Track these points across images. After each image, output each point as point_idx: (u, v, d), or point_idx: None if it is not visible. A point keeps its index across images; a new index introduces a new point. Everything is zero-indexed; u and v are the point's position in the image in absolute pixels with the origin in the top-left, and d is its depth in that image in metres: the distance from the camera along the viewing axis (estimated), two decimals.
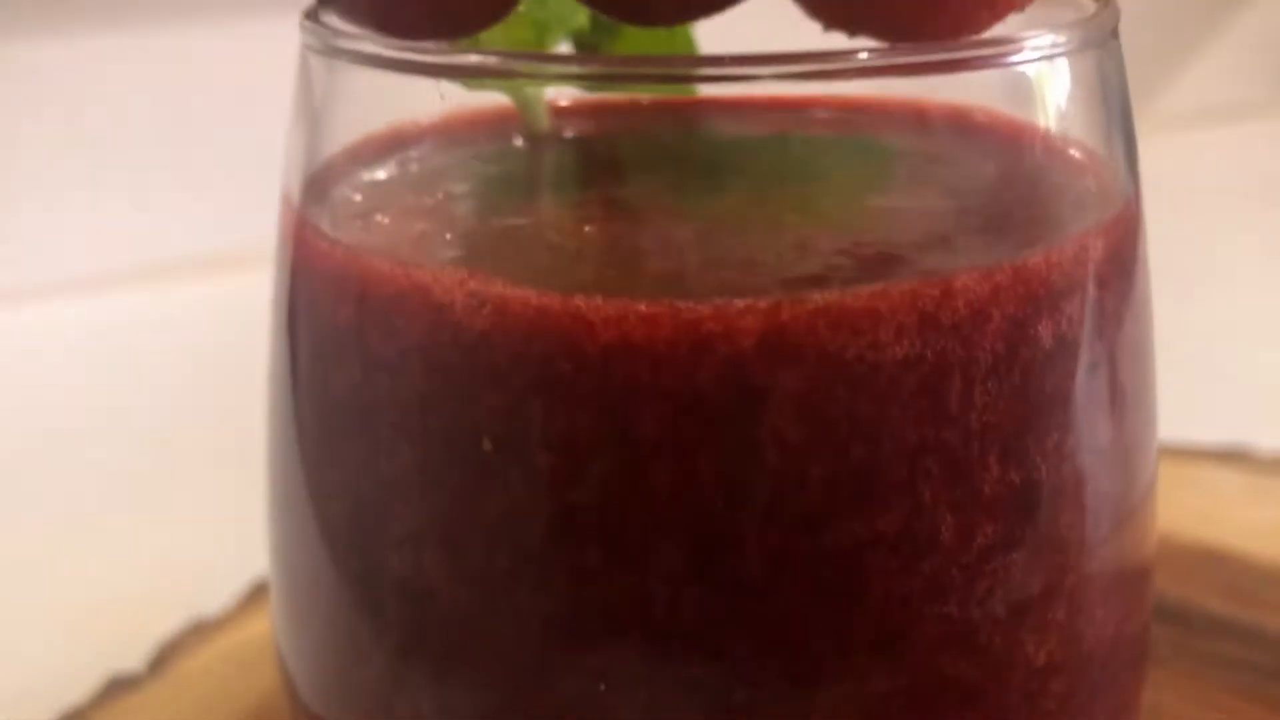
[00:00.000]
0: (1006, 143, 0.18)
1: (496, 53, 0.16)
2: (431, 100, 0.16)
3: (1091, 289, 0.17)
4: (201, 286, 0.77)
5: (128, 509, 0.53)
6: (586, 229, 0.17)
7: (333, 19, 0.19)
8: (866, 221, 0.17)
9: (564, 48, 0.20)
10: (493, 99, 0.22)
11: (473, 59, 0.16)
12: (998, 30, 0.19)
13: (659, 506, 0.16)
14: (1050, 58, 0.17)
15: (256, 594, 0.43)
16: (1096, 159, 0.18)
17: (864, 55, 0.15)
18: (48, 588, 0.47)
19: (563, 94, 0.26)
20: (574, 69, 0.16)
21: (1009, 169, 0.18)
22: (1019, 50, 0.17)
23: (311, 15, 0.19)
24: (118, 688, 0.38)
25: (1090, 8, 0.19)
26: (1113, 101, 0.18)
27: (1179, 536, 0.44)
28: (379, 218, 0.18)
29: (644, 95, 0.21)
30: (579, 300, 0.15)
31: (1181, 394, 0.60)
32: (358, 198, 0.19)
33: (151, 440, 0.59)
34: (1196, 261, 0.82)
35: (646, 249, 0.17)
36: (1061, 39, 0.17)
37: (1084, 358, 0.17)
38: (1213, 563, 0.42)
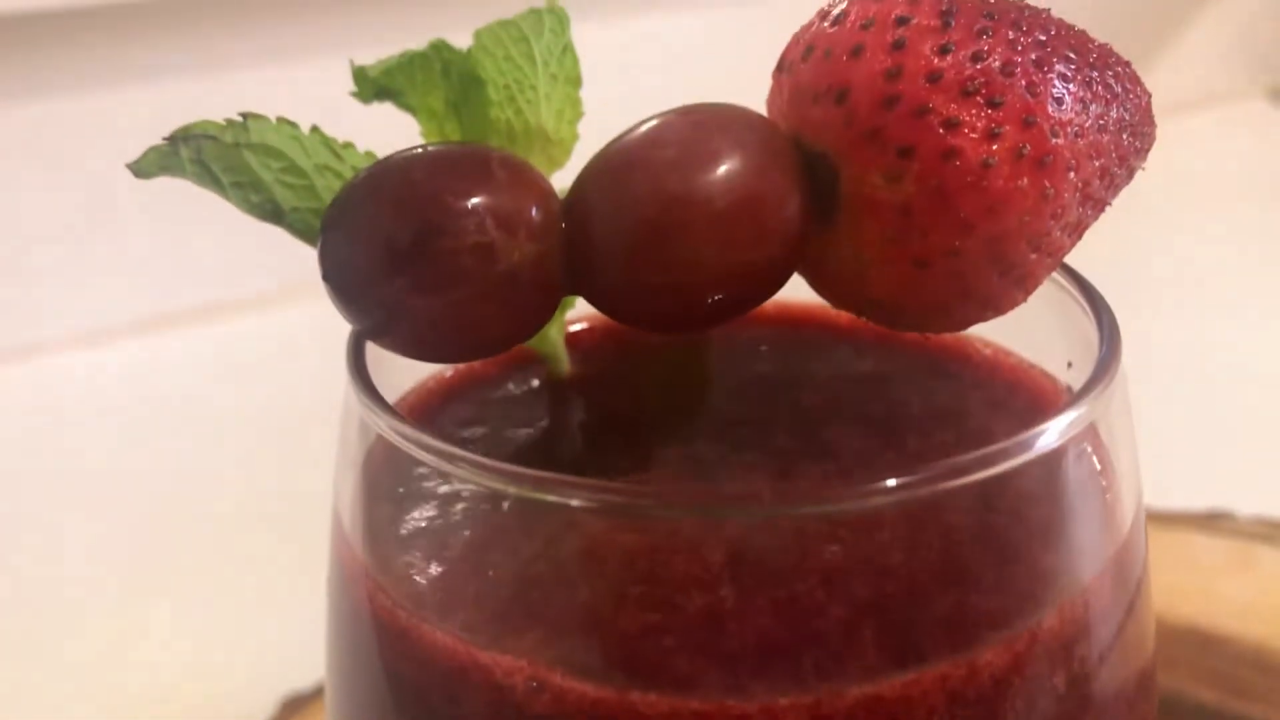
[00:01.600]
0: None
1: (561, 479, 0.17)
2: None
3: (1098, 629, 0.18)
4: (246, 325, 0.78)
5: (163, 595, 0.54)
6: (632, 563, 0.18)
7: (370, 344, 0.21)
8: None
9: None
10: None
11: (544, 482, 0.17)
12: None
13: None
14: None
15: (287, 711, 0.44)
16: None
17: (891, 483, 0.17)
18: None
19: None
20: (611, 497, 0.17)
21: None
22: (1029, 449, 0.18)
23: (358, 369, 0.20)
24: None
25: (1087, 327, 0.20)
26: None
27: (1167, 618, 0.45)
28: (433, 571, 0.19)
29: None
30: (634, 696, 0.16)
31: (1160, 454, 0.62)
32: (413, 557, 0.20)
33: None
34: (1173, 263, 0.83)
35: (684, 585, 0.18)
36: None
37: (1094, 682, 0.18)
38: (1201, 646, 0.44)
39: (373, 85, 0.23)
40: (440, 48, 0.23)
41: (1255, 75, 1.17)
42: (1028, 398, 0.24)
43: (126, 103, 0.75)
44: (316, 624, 0.48)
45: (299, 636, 0.48)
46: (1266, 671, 0.43)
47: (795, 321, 0.26)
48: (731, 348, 0.25)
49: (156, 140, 0.20)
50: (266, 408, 0.69)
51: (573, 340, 0.26)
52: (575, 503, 0.17)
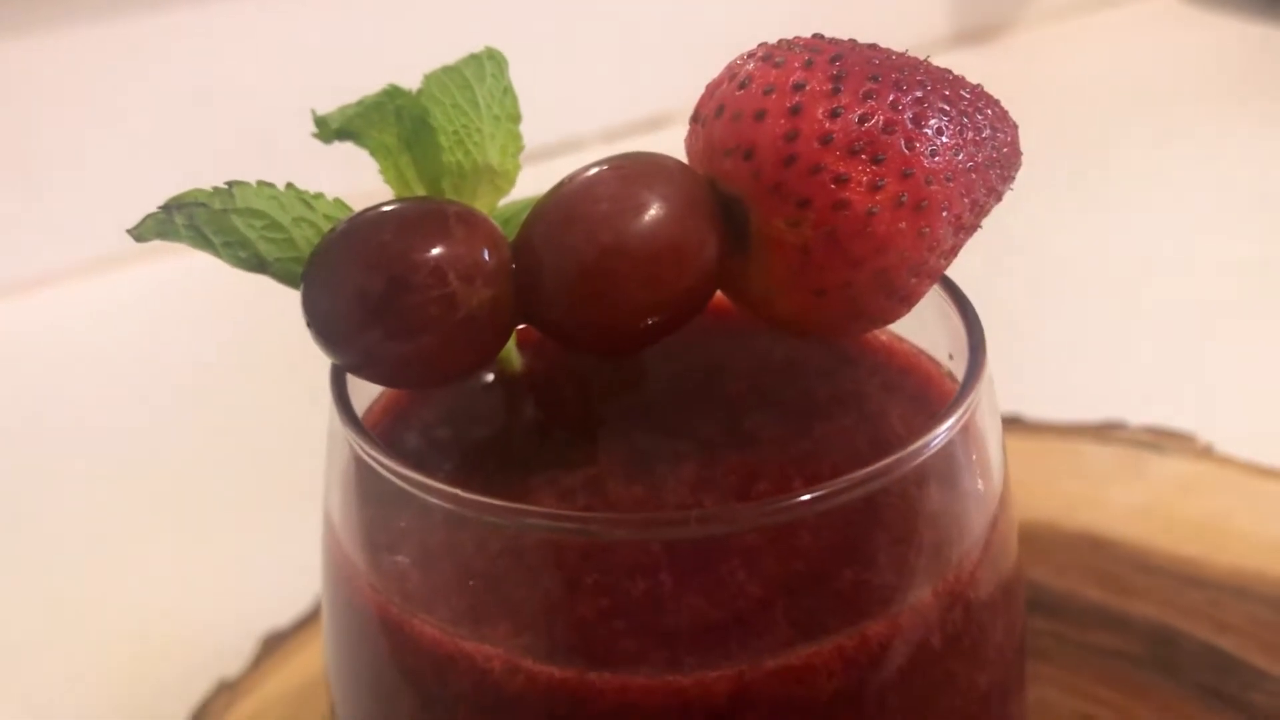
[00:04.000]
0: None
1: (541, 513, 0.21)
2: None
3: (973, 598, 0.22)
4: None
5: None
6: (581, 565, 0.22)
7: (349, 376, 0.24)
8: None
9: None
10: None
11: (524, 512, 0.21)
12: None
13: None
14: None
15: (268, 649, 0.48)
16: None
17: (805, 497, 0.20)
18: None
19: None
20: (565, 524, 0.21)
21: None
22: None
23: (340, 397, 0.23)
24: None
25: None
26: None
27: (1062, 524, 0.50)
28: (415, 563, 0.23)
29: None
30: (592, 676, 0.20)
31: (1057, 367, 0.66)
32: (399, 556, 0.23)
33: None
34: (1080, 165, 0.87)
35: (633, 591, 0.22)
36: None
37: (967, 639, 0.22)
38: (1091, 549, 0.49)
39: (332, 130, 0.26)
40: (393, 93, 0.26)
41: None
42: (918, 381, 0.28)
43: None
44: (295, 564, 0.52)
45: (278, 576, 0.52)
46: (1150, 572, 0.48)
47: (721, 315, 0.29)
48: (666, 341, 0.28)
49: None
50: (244, 345, 0.72)
51: (523, 337, 0.29)
52: (518, 524, 0.21)
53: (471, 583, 0.22)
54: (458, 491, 0.21)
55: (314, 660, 0.47)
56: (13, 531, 0.59)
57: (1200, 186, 0.83)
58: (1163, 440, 0.55)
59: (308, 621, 0.49)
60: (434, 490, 0.22)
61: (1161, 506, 0.50)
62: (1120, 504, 0.51)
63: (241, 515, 0.58)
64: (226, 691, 0.46)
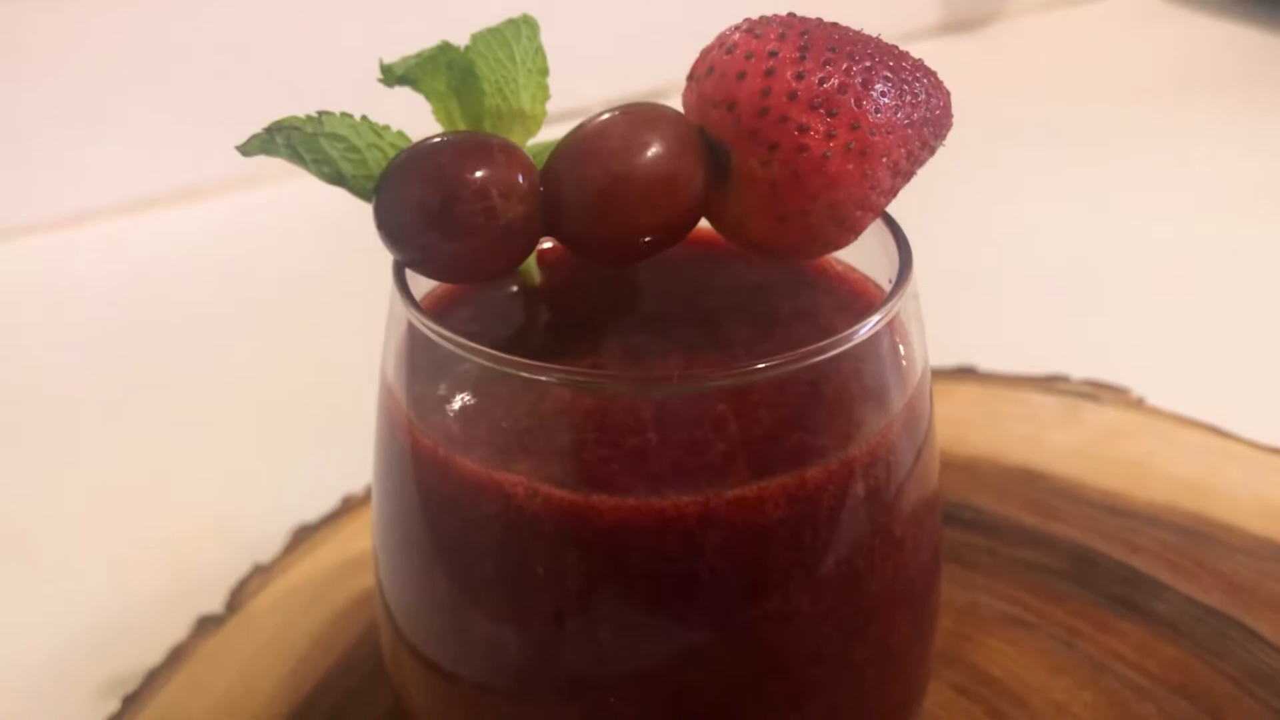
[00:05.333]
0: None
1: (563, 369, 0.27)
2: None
3: (895, 454, 0.29)
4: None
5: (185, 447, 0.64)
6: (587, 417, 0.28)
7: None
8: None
9: None
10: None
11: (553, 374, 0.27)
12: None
13: (634, 596, 0.27)
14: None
15: (297, 539, 0.54)
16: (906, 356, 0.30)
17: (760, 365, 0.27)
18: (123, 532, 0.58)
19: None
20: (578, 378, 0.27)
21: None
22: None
23: (400, 282, 0.29)
24: (207, 624, 0.50)
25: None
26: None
27: (1003, 459, 0.56)
28: (457, 413, 0.29)
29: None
30: (594, 499, 0.26)
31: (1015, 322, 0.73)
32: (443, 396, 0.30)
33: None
34: (1056, 152, 0.93)
35: (627, 437, 0.28)
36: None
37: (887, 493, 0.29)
38: (1028, 481, 0.55)
39: (395, 76, 0.32)
40: (445, 49, 0.32)
41: None
42: (865, 301, 0.34)
43: None
44: (321, 470, 0.59)
45: (306, 475, 0.59)
46: (1077, 502, 0.54)
47: (706, 244, 0.35)
48: (659, 262, 0.34)
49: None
50: (274, 273, 0.79)
51: (542, 256, 0.35)
52: (541, 377, 0.27)
53: (504, 425, 0.28)
54: (494, 352, 0.27)
55: (337, 550, 0.53)
56: (76, 429, 0.66)
57: (1156, 172, 0.89)
58: (1100, 392, 0.61)
59: (332, 518, 0.55)
60: (474, 351, 0.28)
61: (1092, 448, 0.57)
62: (1056, 444, 0.57)
63: (278, 428, 0.65)
64: (261, 573, 0.52)
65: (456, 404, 0.30)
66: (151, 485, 0.60)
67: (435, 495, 0.29)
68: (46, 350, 0.73)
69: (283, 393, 0.67)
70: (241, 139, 0.29)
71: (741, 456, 0.28)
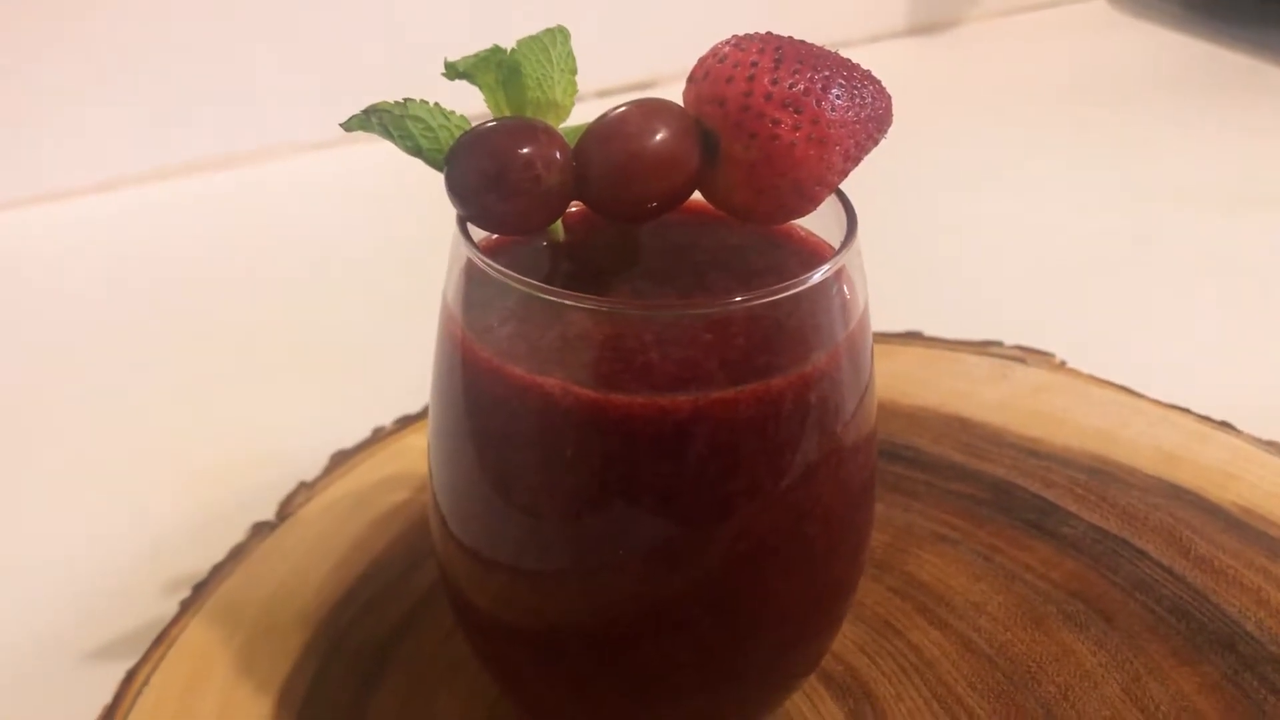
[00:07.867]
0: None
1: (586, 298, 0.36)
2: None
3: (840, 378, 0.38)
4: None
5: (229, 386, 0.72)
6: (604, 334, 0.37)
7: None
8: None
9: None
10: None
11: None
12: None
13: (640, 474, 0.36)
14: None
15: (335, 462, 0.63)
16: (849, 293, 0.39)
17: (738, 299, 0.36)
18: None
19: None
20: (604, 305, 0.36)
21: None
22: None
23: (463, 229, 0.38)
24: (262, 529, 0.58)
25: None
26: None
27: (941, 410, 0.66)
28: (505, 332, 0.38)
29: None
30: (611, 397, 0.35)
31: (964, 294, 0.83)
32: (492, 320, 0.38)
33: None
34: (1004, 156, 1.02)
35: (634, 351, 0.37)
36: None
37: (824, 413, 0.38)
38: (961, 428, 0.65)
39: (457, 71, 0.41)
40: (496, 51, 0.41)
41: None
42: (820, 259, 0.43)
43: None
44: (357, 402, 0.68)
45: (342, 411, 0.68)
46: (1002, 445, 0.63)
47: (697, 211, 0.43)
48: (660, 224, 0.43)
49: None
50: (311, 235, 0.87)
51: (566, 219, 0.44)
52: (572, 304, 0.36)
53: (541, 343, 0.37)
54: (537, 283, 0.36)
55: (371, 471, 0.62)
56: (148, 373, 0.74)
57: (1095, 168, 0.98)
58: (1028, 356, 0.70)
59: (365, 444, 0.64)
60: (521, 282, 0.37)
61: (1018, 401, 0.66)
62: (987, 398, 0.66)
63: (317, 371, 0.73)
64: (306, 489, 0.61)
65: (504, 326, 0.38)
66: (213, 422, 0.69)
67: (487, 396, 0.38)
68: (120, 300, 0.81)
69: (322, 341, 0.76)
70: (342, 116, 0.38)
71: (721, 370, 0.37)
